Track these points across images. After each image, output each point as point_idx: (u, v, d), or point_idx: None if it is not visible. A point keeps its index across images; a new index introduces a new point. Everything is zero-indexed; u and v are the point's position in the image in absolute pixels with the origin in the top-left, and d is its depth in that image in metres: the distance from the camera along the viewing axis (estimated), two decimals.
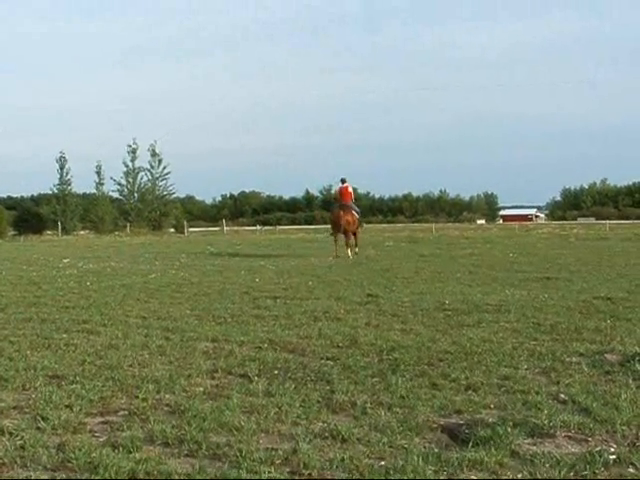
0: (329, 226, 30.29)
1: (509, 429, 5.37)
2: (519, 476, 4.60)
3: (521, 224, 77.57)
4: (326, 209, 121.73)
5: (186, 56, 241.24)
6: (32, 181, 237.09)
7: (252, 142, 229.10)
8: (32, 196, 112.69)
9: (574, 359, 7.86)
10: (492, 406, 6.13)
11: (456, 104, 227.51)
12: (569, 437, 5.36)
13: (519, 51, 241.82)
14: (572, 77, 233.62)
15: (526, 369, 7.41)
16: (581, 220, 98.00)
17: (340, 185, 28.78)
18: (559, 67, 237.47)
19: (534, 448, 5.10)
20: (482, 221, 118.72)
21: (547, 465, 4.76)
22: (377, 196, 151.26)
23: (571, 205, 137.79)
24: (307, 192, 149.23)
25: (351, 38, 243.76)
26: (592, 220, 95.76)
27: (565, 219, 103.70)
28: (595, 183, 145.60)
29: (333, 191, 29.96)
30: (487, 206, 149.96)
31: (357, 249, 27.27)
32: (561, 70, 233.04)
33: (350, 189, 28.73)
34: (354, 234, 27.41)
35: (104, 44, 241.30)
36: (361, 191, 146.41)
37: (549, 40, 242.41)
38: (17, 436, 5.40)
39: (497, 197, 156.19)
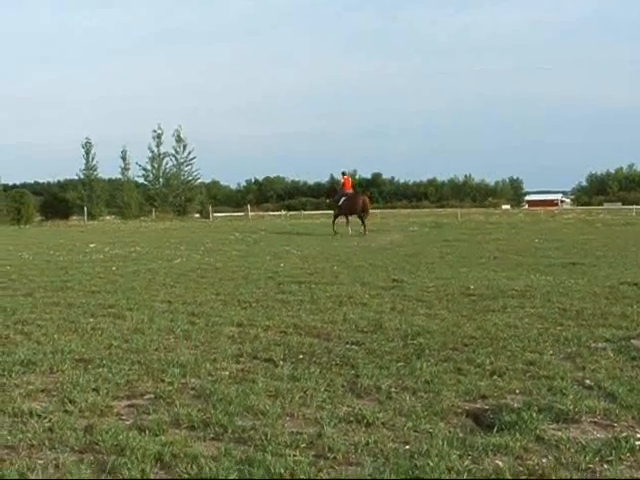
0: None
1: (534, 414, 5.37)
2: (544, 461, 4.60)
3: (546, 209, 77.00)
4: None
5: (209, 41, 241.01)
6: (58, 167, 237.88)
7: (276, 127, 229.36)
8: (58, 182, 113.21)
9: (600, 345, 7.82)
10: (517, 391, 6.12)
11: (481, 88, 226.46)
12: (595, 423, 5.35)
13: (542, 33, 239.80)
14: (598, 58, 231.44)
15: (551, 355, 7.39)
16: (607, 205, 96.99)
17: (342, 177, 35.45)
18: (584, 48, 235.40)
19: (559, 433, 5.09)
20: (507, 206, 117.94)
21: (572, 450, 4.76)
22: (402, 181, 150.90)
23: (597, 190, 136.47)
24: (332, 177, 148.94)
25: (368, 24, 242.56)
26: (618, 205, 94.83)
27: (591, 204, 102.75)
28: (622, 168, 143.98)
29: (341, 180, 35.93)
30: (512, 191, 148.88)
31: (350, 228, 32.75)
32: (586, 52, 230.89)
33: (350, 180, 35.43)
34: (350, 215, 33.35)
35: (126, 31, 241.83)
36: (385, 176, 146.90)
37: (573, 21, 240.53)
38: (45, 418, 5.46)
39: (522, 182, 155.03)
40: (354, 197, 33.79)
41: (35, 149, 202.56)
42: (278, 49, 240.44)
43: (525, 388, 6.19)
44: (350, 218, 33.67)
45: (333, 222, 34.13)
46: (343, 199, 33.83)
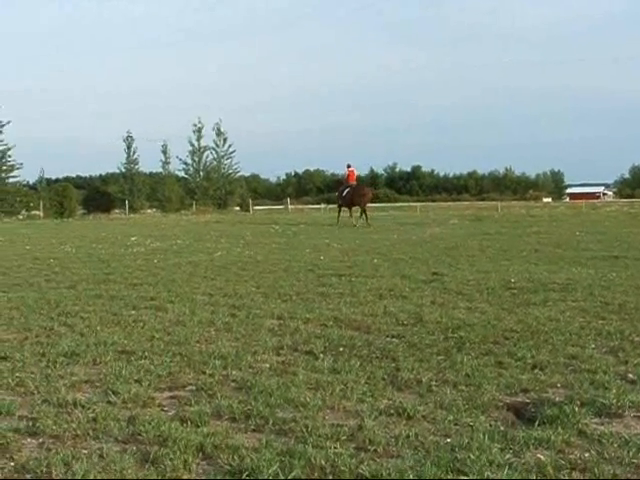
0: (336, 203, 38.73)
1: (576, 408, 5.33)
2: (586, 455, 4.57)
3: (588, 202, 76.29)
4: (389, 186, 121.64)
5: (247, 35, 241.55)
6: (100, 161, 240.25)
7: (317, 120, 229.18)
8: (100, 175, 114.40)
9: None
10: (559, 385, 6.09)
11: (522, 80, 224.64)
12: (638, 417, 5.31)
13: (583, 24, 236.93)
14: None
15: (593, 348, 7.33)
16: None
17: (347, 169, 37.07)
18: (627, 39, 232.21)
19: (602, 428, 5.05)
20: (548, 199, 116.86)
21: (615, 445, 4.72)
22: (442, 174, 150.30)
23: None
24: (371, 170, 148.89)
25: (406, 13, 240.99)
26: None
27: (634, 197, 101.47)
28: None
29: (344, 174, 38.52)
30: (553, 184, 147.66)
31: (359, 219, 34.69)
32: (629, 43, 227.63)
33: (355, 172, 37.37)
34: (352, 205, 35.38)
35: (166, 25, 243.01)
36: (425, 169, 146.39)
37: (615, 11, 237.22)
38: (89, 409, 5.53)
39: (564, 175, 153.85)
40: (355, 189, 35.45)
41: (78, 143, 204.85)
42: (317, 42, 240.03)
43: (567, 382, 6.16)
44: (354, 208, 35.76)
45: (338, 213, 36.43)
46: (347, 191, 35.67)
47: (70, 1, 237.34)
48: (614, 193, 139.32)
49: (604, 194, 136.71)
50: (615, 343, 7.54)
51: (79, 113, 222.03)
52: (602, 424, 5.15)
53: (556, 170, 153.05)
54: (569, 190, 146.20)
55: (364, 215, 34.60)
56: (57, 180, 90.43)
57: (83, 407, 5.58)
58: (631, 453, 4.57)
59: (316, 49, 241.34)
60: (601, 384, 6.03)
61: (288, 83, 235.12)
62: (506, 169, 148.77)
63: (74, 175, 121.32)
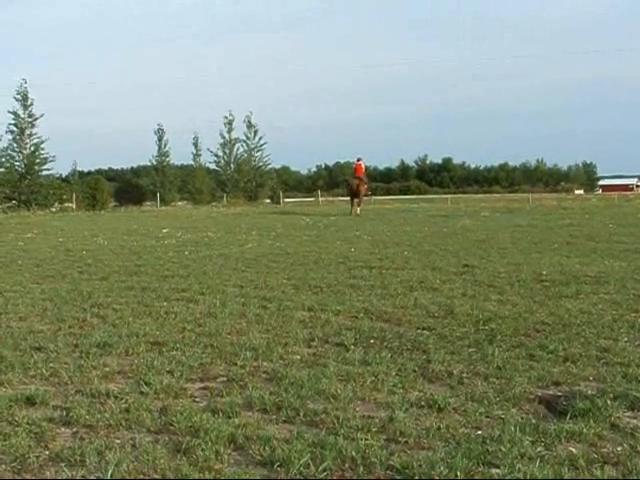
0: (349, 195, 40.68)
1: (609, 402, 5.31)
2: (619, 449, 4.55)
3: (621, 194, 75.56)
4: (420, 179, 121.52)
5: (278, 29, 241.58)
6: (132, 153, 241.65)
7: (346, 113, 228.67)
8: (132, 168, 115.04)
9: None
10: (591, 378, 6.06)
11: (553, 71, 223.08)
12: None
13: (616, 14, 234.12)
14: None
15: (626, 341, 7.28)
16: None
17: (356, 162, 40.02)
18: None
19: (635, 421, 5.03)
20: (580, 191, 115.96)
21: None
22: (473, 166, 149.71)
23: None
24: (402, 162, 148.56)
25: (441, 6, 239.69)
26: None
27: None
28: None
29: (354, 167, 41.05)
30: (586, 176, 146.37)
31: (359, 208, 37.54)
32: None
33: (363, 166, 39.75)
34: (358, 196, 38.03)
35: (198, 18, 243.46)
36: (456, 161, 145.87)
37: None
38: (122, 400, 5.58)
39: (596, 167, 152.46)
40: (353, 181, 38.60)
41: (110, 136, 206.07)
42: (347, 35, 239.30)
43: (599, 375, 6.12)
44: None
45: (351, 203, 38.90)
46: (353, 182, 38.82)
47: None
48: None
49: (637, 186, 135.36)
50: None
51: (111, 106, 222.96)
52: (635, 417, 5.12)
53: (588, 162, 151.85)
54: (601, 182, 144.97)
55: (356, 205, 37.92)
56: (89, 173, 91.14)
57: (116, 397, 5.63)
58: None
59: (348, 42, 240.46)
60: (634, 377, 5.99)
61: (320, 75, 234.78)
62: (537, 161, 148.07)
63: (106, 168, 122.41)
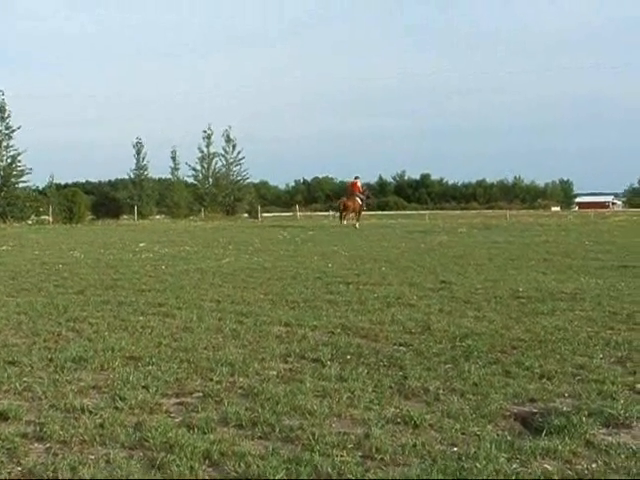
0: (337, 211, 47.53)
1: (584, 418, 5.32)
2: (594, 466, 4.56)
3: (597, 211, 76.08)
4: (398, 194, 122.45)
5: (259, 42, 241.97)
6: (110, 166, 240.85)
7: (325, 127, 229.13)
8: (109, 181, 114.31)
9: None
10: (566, 395, 6.08)
11: (530, 88, 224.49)
12: None
13: (595, 32, 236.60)
14: None
15: (601, 358, 7.32)
16: None
17: (352, 180, 44.34)
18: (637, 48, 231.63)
19: (609, 438, 5.04)
20: (557, 208, 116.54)
21: (622, 456, 4.71)
22: (450, 182, 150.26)
23: None
24: (380, 178, 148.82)
25: (423, 19, 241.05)
26: None
27: None
28: None
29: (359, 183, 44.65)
30: (562, 193, 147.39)
31: (358, 223, 40.96)
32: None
33: (359, 184, 43.54)
34: (359, 212, 42.32)
35: (178, 33, 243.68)
36: (434, 177, 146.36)
37: (626, 19, 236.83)
38: (96, 415, 5.54)
39: (573, 184, 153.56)
40: (349, 199, 42.89)
41: (87, 149, 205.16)
42: (328, 47, 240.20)
43: (574, 392, 6.15)
44: (359, 215, 42.59)
45: (344, 218, 43.33)
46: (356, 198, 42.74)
47: (81, 7, 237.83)
48: (623, 202, 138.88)
49: (613, 203, 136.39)
50: (623, 353, 7.52)
51: (89, 119, 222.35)
52: (609, 434, 5.14)
53: (565, 179, 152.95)
54: (578, 199, 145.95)
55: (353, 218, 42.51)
56: (66, 185, 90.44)
57: (90, 413, 5.59)
58: (639, 464, 4.56)
59: (324, 56, 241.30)
60: (609, 394, 6.02)
61: (299, 89, 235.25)
62: (515, 178, 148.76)
63: (83, 180, 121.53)
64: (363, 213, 44.16)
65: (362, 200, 43.19)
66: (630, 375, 6.68)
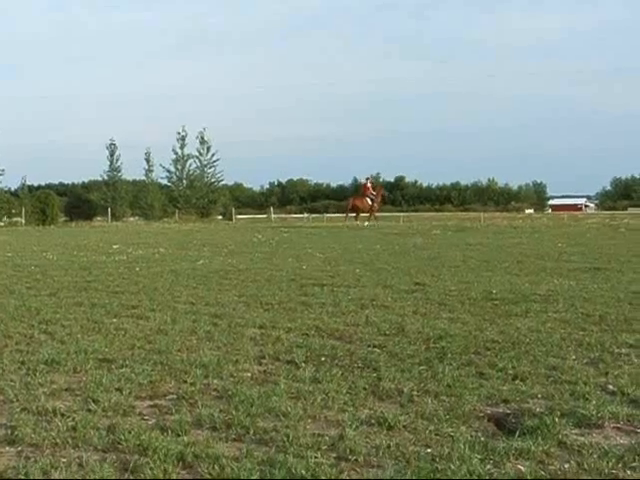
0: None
1: (556, 419, 5.35)
2: (566, 466, 4.58)
3: (570, 214, 76.62)
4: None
5: (235, 45, 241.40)
6: (83, 168, 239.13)
7: (300, 130, 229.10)
8: (83, 183, 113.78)
9: (623, 350, 7.78)
10: (539, 396, 6.10)
11: (504, 91, 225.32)
12: (618, 428, 5.32)
13: (569, 38, 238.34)
14: (625, 65, 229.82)
15: (574, 359, 7.35)
16: (632, 210, 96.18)
17: (363, 181, 50.14)
18: (610, 54, 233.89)
19: (582, 439, 5.07)
20: (531, 210, 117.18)
21: (595, 456, 4.73)
22: (425, 184, 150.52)
23: (622, 195, 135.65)
24: (355, 180, 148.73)
25: (399, 26, 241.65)
26: None
27: (615, 209, 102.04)
28: None
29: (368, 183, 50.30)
30: (536, 195, 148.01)
31: (375, 221, 46.06)
32: (612, 58, 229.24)
33: (369, 185, 48.01)
34: (370, 211, 47.16)
35: (152, 34, 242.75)
36: (409, 179, 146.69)
37: (601, 27, 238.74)
38: (69, 417, 5.50)
39: (546, 186, 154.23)
40: (356, 199, 47.69)
41: (60, 150, 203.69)
42: (304, 52, 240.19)
43: (547, 393, 6.17)
44: (364, 215, 47.57)
45: (354, 217, 47.56)
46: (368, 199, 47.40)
47: (58, 6, 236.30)
48: (596, 205, 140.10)
49: (586, 206, 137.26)
50: (595, 354, 7.57)
51: (62, 120, 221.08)
52: (582, 435, 5.17)
53: (538, 182, 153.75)
54: (551, 202, 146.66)
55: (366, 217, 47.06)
56: (39, 187, 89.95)
57: (63, 415, 5.55)
58: (610, 464, 4.58)
59: (301, 60, 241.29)
60: (581, 395, 6.05)
61: (274, 93, 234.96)
62: (489, 180, 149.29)
63: (56, 182, 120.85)
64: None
65: (372, 200, 46.20)
66: (602, 376, 6.72)
